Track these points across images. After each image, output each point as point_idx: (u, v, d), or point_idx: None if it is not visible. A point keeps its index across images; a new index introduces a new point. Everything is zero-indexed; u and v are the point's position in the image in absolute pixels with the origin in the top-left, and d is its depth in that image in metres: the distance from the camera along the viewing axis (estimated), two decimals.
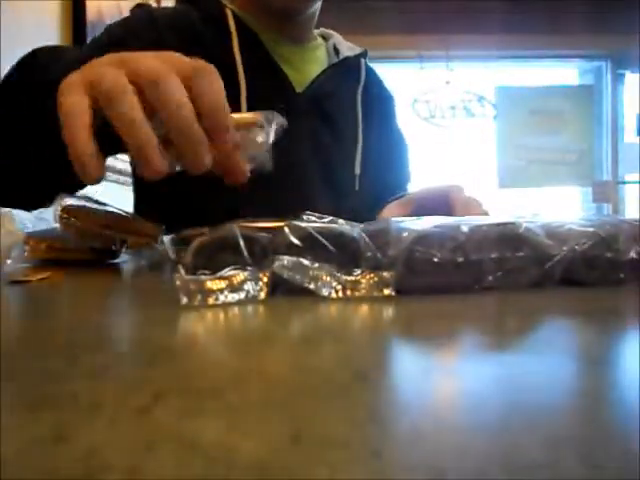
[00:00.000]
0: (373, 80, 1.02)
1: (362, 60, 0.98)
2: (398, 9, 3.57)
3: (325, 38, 1.01)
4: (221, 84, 0.41)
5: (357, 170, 0.92)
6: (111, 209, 0.64)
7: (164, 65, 0.40)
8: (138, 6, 0.90)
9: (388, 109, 1.06)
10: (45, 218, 0.77)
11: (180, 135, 0.40)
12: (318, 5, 0.92)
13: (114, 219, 0.62)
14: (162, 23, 0.85)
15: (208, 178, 0.63)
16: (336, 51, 0.98)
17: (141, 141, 0.39)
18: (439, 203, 0.71)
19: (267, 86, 0.86)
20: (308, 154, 0.88)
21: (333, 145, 0.91)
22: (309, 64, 0.94)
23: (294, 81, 0.88)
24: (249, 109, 0.83)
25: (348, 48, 0.98)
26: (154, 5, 2.48)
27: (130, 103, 0.39)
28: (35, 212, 0.74)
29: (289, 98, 0.88)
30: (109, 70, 0.40)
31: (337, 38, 1.01)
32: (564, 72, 4.13)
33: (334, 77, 0.92)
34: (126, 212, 0.67)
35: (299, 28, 0.93)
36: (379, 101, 1.02)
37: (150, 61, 0.41)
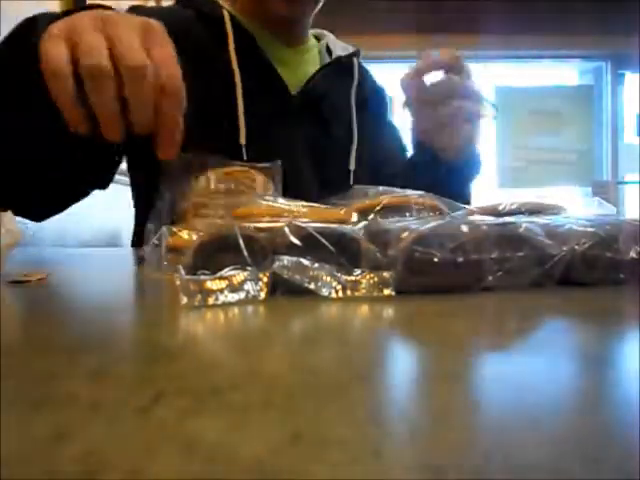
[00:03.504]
0: (366, 77, 1.04)
1: (355, 59, 1.00)
2: (398, 9, 3.57)
3: (318, 39, 1.02)
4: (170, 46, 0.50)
5: (352, 166, 0.94)
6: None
7: (132, 33, 0.48)
8: (132, 9, 0.90)
9: (381, 103, 1.07)
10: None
11: (132, 90, 0.47)
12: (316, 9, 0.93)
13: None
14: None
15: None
16: (329, 51, 0.99)
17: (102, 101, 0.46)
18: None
19: (263, 87, 0.86)
20: (302, 155, 0.89)
21: (327, 144, 0.93)
22: (303, 65, 0.95)
23: (289, 83, 0.89)
24: (245, 110, 0.84)
25: (341, 48, 1.00)
26: (153, 4, 2.48)
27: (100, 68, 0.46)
28: None
29: (284, 100, 0.88)
30: (89, 31, 0.47)
31: (330, 38, 1.02)
32: (564, 72, 4.13)
33: (327, 77, 0.93)
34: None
35: (296, 32, 0.95)
36: (372, 96, 1.04)
37: (122, 30, 0.48)
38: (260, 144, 0.84)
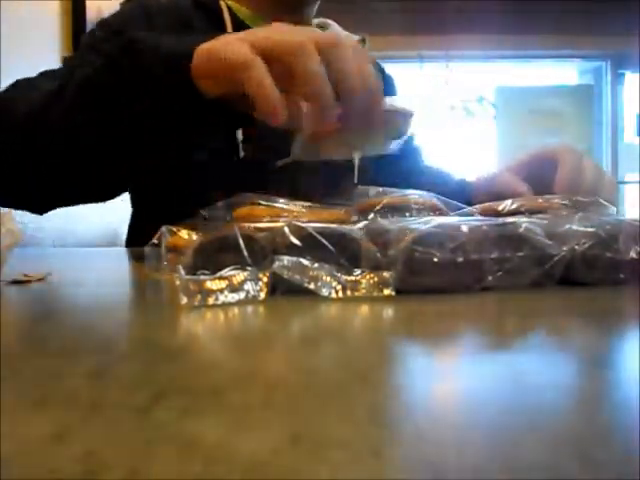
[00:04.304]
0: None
1: None
2: (398, 9, 3.57)
3: (323, 28, 1.00)
4: (350, 53, 0.47)
5: (356, 160, 0.92)
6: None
7: (303, 38, 0.46)
8: (129, 0, 0.89)
9: (389, 91, 1.05)
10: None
11: (313, 101, 0.47)
12: None
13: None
14: (156, 16, 0.84)
15: (208, 178, 0.62)
16: None
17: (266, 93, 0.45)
18: (547, 167, 0.68)
19: None
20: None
21: None
22: None
23: None
24: None
25: (346, 37, 0.97)
26: None
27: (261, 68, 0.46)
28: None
29: None
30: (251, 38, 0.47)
31: (335, 28, 0.99)
32: (564, 72, 4.13)
33: None
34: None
35: (299, 21, 0.92)
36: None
37: (289, 35, 0.47)
38: (256, 140, 0.83)
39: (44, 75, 0.73)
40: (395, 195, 0.48)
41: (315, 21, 0.99)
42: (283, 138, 0.82)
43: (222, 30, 0.84)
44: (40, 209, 0.70)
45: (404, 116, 0.52)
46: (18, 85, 0.68)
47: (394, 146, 0.53)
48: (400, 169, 0.96)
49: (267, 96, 0.45)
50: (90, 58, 0.77)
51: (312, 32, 0.48)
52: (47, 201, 0.69)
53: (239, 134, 0.82)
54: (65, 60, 0.84)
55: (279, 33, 0.47)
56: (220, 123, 0.54)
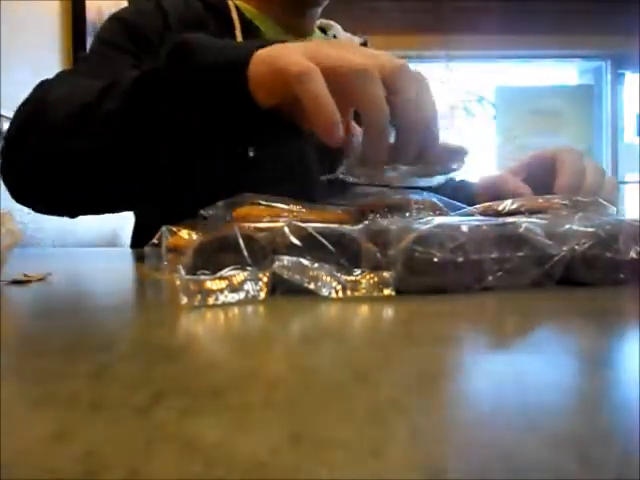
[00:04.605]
0: None
1: None
2: (398, 9, 3.57)
3: (325, 30, 1.00)
4: (413, 84, 0.46)
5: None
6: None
7: (368, 61, 0.45)
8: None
9: None
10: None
11: (369, 128, 0.44)
12: None
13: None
14: (172, 14, 0.83)
15: (215, 178, 0.61)
16: None
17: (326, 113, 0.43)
18: (548, 169, 0.67)
19: None
20: (311, 153, 0.88)
21: None
22: None
23: None
24: None
25: (348, 39, 0.97)
26: None
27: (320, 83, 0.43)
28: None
29: None
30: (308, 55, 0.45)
31: (336, 29, 0.99)
32: (564, 72, 4.13)
33: None
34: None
35: (306, 21, 0.92)
36: None
37: (356, 57, 0.45)
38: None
39: (61, 77, 0.71)
40: (395, 195, 0.48)
41: (317, 22, 0.99)
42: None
43: (231, 29, 0.84)
44: (73, 213, 0.68)
45: (458, 154, 0.52)
46: (47, 87, 0.66)
47: (441, 180, 0.53)
48: None
49: (324, 112, 0.43)
50: (108, 53, 0.77)
51: (377, 55, 0.46)
52: (81, 206, 0.67)
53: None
54: (82, 57, 0.83)
55: (342, 52, 0.45)
56: (275, 133, 0.52)
